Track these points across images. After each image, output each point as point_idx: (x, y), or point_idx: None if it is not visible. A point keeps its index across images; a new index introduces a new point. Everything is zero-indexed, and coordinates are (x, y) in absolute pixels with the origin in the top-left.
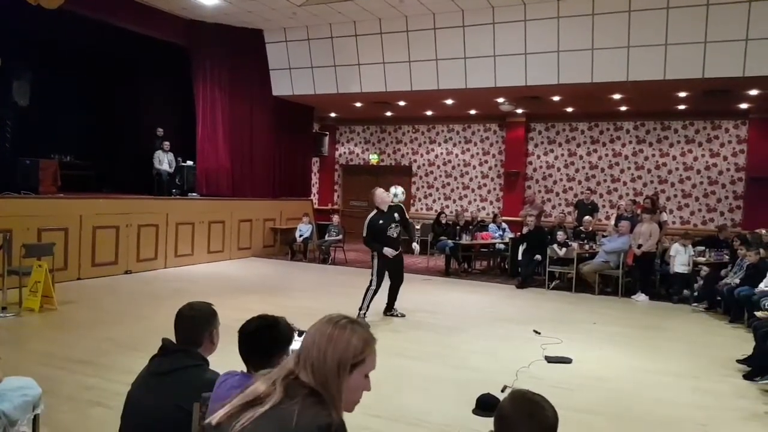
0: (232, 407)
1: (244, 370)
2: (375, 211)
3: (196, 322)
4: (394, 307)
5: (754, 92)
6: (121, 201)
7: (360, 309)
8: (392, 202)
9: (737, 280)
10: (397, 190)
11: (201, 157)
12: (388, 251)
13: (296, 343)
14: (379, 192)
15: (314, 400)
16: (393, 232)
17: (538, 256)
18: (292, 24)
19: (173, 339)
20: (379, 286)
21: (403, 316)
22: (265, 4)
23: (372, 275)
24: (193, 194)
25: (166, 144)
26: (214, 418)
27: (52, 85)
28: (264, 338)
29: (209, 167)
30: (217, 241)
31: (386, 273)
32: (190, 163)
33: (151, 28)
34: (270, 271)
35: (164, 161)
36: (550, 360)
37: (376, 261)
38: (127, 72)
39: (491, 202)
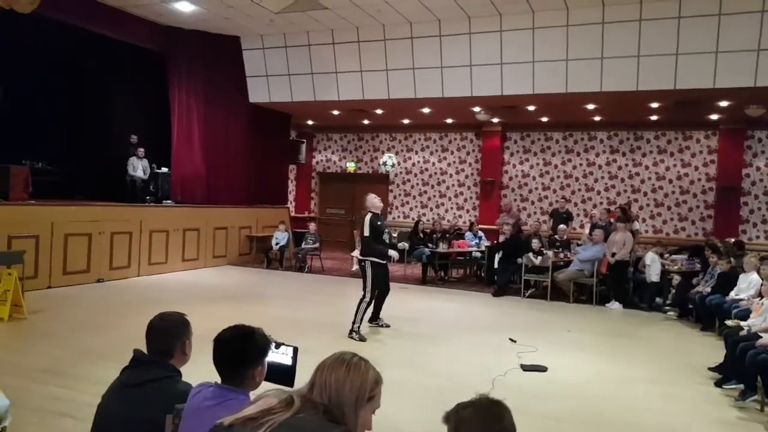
0: (248, 412)
1: (218, 381)
2: (371, 214)
3: (167, 333)
4: (380, 317)
5: (724, 103)
6: (93, 208)
7: (353, 323)
8: (384, 170)
9: (708, 289)
10: (387, 158)
11: (176, 164)
12: (393, 253)
13: (272, 355)
14: (371, 197)
15: (332, 418)
16: (387, 237)
17: (520, 260)
18: (269, 31)
19: (145, 350)
20: (373, 297)
21: (388, 326)
22: (242, 11)
23: (365, 286)
24: (168, 201)
25: (141, 150)
26: (227, 420)
27: (24, 91)
28: (239, 348)
29: (184, 174)
30: (191, 248)
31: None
32: (165, 169)
33: (127, 33)
34: (245, 279)
35: (138, 168)
36: (526, 368)
37: (369, 271)
38: (101, 77)
39: (468, 211)
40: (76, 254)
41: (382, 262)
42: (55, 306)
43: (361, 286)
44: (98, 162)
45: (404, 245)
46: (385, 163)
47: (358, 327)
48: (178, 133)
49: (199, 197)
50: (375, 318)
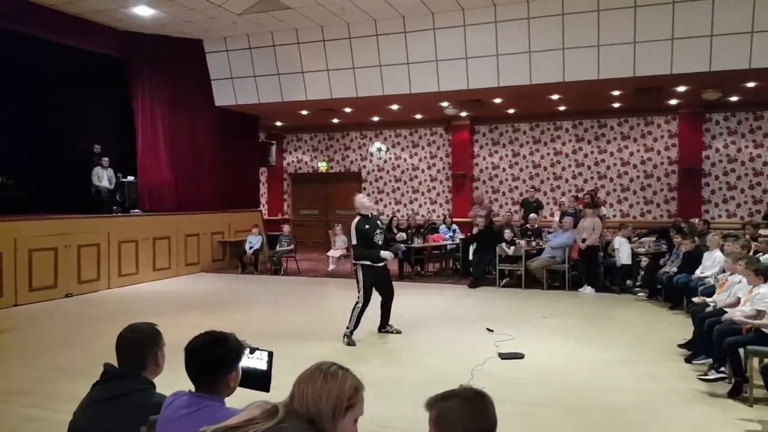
0: (231, 422)
1: (192, 389)
2: (359, 217)
3: (139, 344)
4: (389, 323)
5: (681, 89)
6: (58, 221)
7: (347, 327)
8: (377, 158)
9: (675, 268)
10: (381, 146)
11: (142, 172)
12: (386, 254)
13: (247, 360)
14: (360, 197)
15: (317, 428)
16: (379, 239)
17: (502, 244)
18: (232, 33)
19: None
20: (367, 302)
21: (399, 332)
22: (203, 13)
23: (358, 291)
24: (136, 211)
25: (105, 160)
26: (209, 429)
27: None
28: (212, 355)
29: (151, 182)
30: (162, 257)
31: (372, 288)
32: (131, 178)
33: (85, 41)
34: (220, 285)
35: (103, 178)
36: (504, 356)
37: (361, 275)
38: (60, 87)
39: (441, 205)
40: (43, 269)
41: (375, 265)
42: (24, 324)
43: (356, 290)
44: (61, 174)
45: (402, 236)
46: (380, 149)
47: (351, 331)
48: (143, 140)
49: (168, 205)
50: (383, 325)
